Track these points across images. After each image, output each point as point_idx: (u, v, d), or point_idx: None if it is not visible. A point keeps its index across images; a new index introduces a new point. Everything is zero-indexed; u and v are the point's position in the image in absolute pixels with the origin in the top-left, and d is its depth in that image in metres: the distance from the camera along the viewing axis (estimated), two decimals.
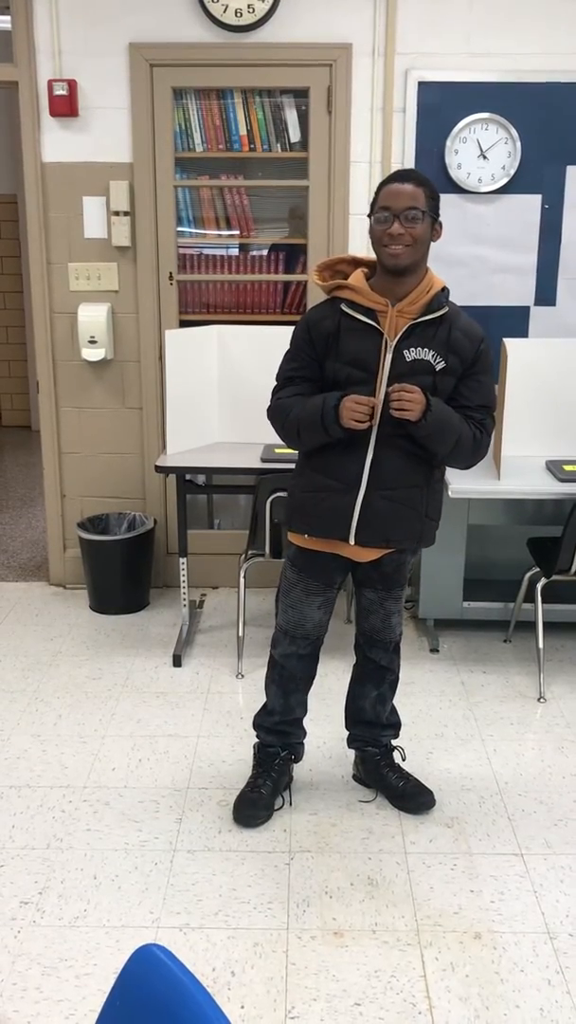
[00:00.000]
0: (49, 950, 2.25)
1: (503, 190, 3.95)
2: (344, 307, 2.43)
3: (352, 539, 2.51)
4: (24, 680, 3.58)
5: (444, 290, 2.46)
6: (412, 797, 2.79)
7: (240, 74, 3.90)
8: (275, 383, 2.60)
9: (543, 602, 3.52)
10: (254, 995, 2.12)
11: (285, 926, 2.33)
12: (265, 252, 4.27)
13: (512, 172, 3.92)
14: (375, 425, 2.41)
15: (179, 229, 4.10)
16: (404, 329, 2.40)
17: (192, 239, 4.20)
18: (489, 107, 3.86)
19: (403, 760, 2.90)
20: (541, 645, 3.52)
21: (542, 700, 3.46)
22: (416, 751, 3.10)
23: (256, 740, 2.86)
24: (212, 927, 2.33)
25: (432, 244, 2.46)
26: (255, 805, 2.74)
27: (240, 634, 3.70)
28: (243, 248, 4.30)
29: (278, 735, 2.82)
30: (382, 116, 3.90)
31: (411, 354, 2.40)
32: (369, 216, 2.44)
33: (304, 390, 2.52)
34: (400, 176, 2.41)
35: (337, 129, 3.91)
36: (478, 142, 3.90)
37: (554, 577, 3.48)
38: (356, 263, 2.54)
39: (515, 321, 4.07)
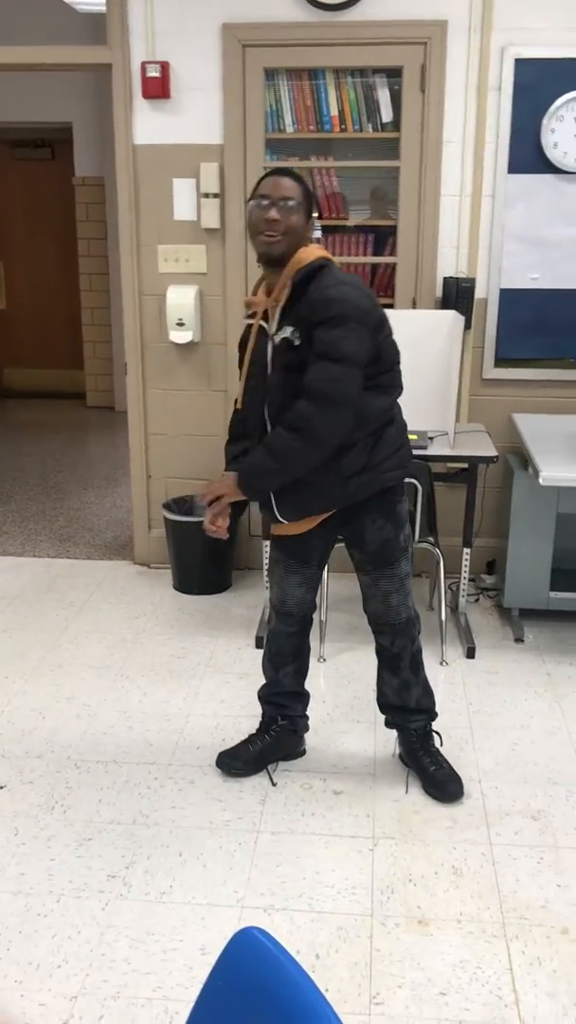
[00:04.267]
0: (136, 924, 2.29)
1: None
2: (245, 319, 2.63)
3: (280, 518, 2.61)
4: (110, 656, 3.64)
5: (308, 265, 2.42)
6: (440, 785, 2.78)
7: (332, 53, 3.85)
8: None
9: None
10: (339, 979, 2.13)
11: (369, 912, 2.33)
12: (352, 234, 4.23)
13: None
14: (267, 412, 2.54)
15: None
16: (276, 316, 2.49)
17: None
18: None
19: (440, 745, 2.88)
20: None
21: None
22: (500, 742, 3.07)
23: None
24: (296, 909, 2.34)
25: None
26: (236, 756, 2.88)
27: (322, 618, 3.69)
28: (331, 230, 4.26)
29: (274, 706, 2.92)
30: (477, 95, 3.83)
31: (277, 337, 2.49)
32: (247, 207, 2.52)
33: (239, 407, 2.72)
34: (277, 171, 2.52)
35: (430, 108, 3.85)
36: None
37: None
38: None
39: None
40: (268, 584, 2.89)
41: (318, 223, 3.96)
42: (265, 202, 2.43)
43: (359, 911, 2.33)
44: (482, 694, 3.37)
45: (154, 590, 4.27)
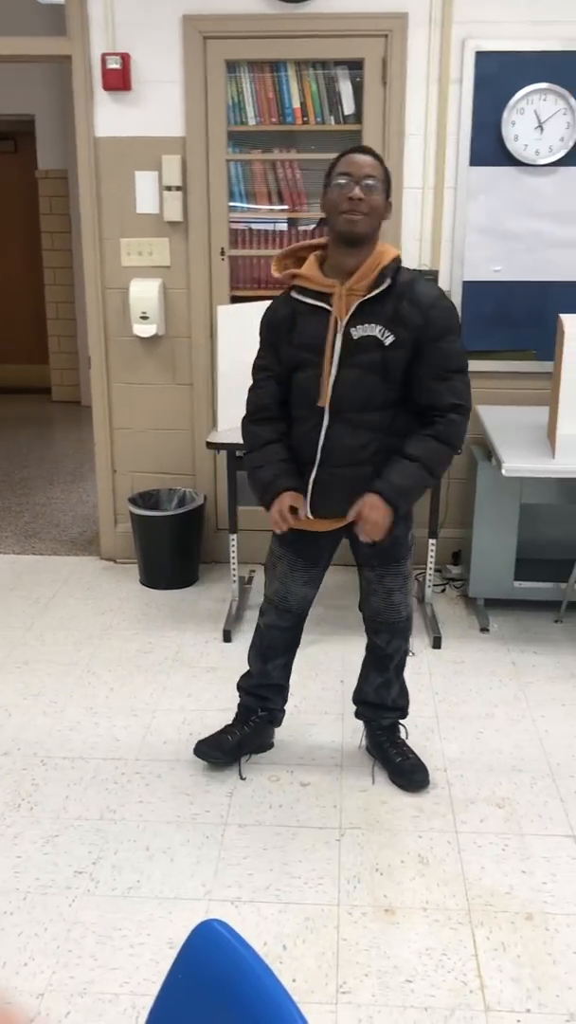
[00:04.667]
0: (103, 919, 2.29)
1: (561, 162, 3.86)
2: (295, 294, 2.48)
3: (309, 513, 2.56)
4: (76, 653, 3.62)
5: (395, 261, 2.43)
6: (407, 774, 2.80)
7: (294, 46, 3.85)
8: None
9: None
10: (305, 969, 2.14)
11: (336, 902, 2.35)
12: (315, 226, 4.23)
13: (571, 144, 3.83)
14: (326, 405, 2.45)
15: (230, 204, 4.08)
16: (354, 307, 2.39)
17: (243, 214, 4.17)
18: (548, 77, 3.77)
19: (407, 737, 2.91)
20: None
21: None
22: (465, 731, 3.09)
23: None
24: (263, 901, 2.35)
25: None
26: (217, 746, 2.85)
27: None
28: (294, 223, 4.26)
29: (256, 698, 2.90)
30: (438, 87, 3.84)
31: (358, 332, 2.40)
32: (325, 187, 2.43)
33: (267, 391, 2.59)
34: (359, 148, 2.46)
35: (392, 101, 3.85)
36: (536, 113, 3.81)
37: None
38: (314, 248, 2.53)
39: (573, 296, 3.99)
40: (266, 578, 2.79)
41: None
42: (345, 180, 2.36)
43: (326, 901, 2.35)
44: (448, 683, 3.40)
45: (121, 585, 4.25)
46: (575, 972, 2.13)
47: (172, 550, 4.19)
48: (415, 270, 2.51)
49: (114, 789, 2.79)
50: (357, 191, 2.34)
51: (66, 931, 2.25)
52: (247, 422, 2.66)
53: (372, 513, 2.46)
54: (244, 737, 2.89)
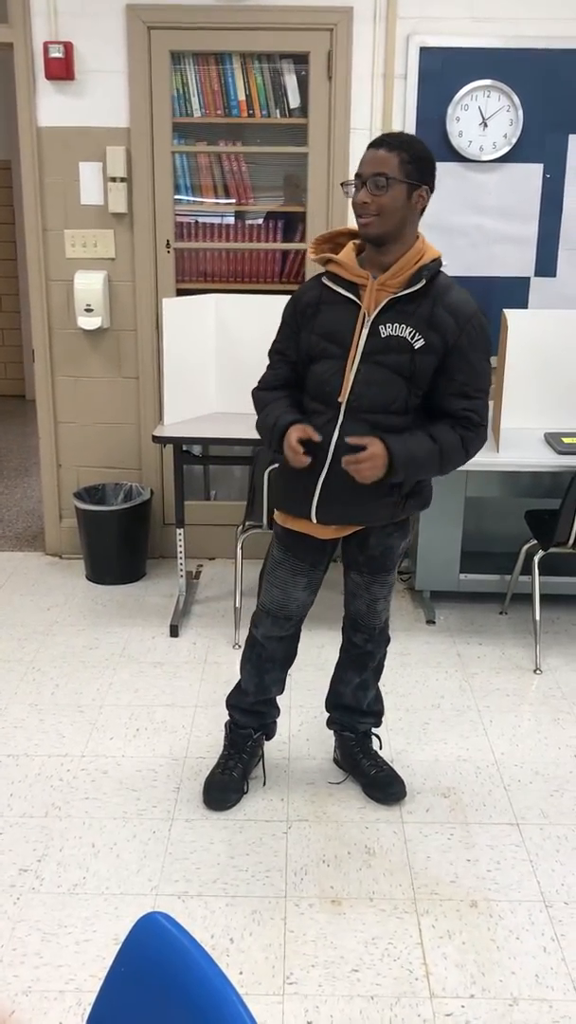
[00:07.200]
0: (48, 917, 2.27)
1: (504, 159, 3.91)
2: (325, 280, 2.37)
3: (313, 517, 2.44)
4: (21, 650, 3.58)
5: (435, 262, 2.32)
6: (383, 786, 2.72)
7: (239, 38, 3.83)
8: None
9: (540, 574, 3.53)
10: (252, 962, 2.14)
11: (283, 894, 2.35)
12: (262, 220, 4.23)
13: (514, 141, 3.87)
14: (343, 402, 2.33)
15: (176, 196, 4.05)
16: (383, 304, 2.29)
17: (189, 206, 4.15)
18: (491, 74, 3.81)
19: (380, 748, 2.84)
20: (538, 617, 3.52)
21: (538, 672, 3.47)
22: (412, 722, 3.12)
23: (228, 719, 2.80)
24: (210, 895, 2.35)
25: (428, 211, 2.36)
26: (226, 788, 2.70)
27: (237, 605, 3.70)
28: (240, 216, 4.25)
29: (252, 715, 2.76)
30: (383, 82, 3.85)
31: (386, 330, 2.29)
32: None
33: (281, 373, 2.49)
34: (376, 141, 2.30)
35: (337, 95, 3.86)
36: (480, 110, 3.85)
37: (551, 549, 3.49)
38: (353, 235, 2.42)
39: (515, 292, 4.04)
40: (263, 586, 2.66)
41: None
42: (356, 181, 2.25)
43: (273, 894, 2.35)
44: (395, 676, 3.42)
45: (66, 581, 4.21)
46: (518, 957, 2.17)
47: (118, 545, 4.15)
48: (454, 281, 2.37)
49: (59, 786, 2.76)
50: (362, 194, 2.23)
51: (10, 929, 2.23)
52: (256, 391, 2.54)
53: (372, 457, 2.27)
54: (247, 765, 2.75)
